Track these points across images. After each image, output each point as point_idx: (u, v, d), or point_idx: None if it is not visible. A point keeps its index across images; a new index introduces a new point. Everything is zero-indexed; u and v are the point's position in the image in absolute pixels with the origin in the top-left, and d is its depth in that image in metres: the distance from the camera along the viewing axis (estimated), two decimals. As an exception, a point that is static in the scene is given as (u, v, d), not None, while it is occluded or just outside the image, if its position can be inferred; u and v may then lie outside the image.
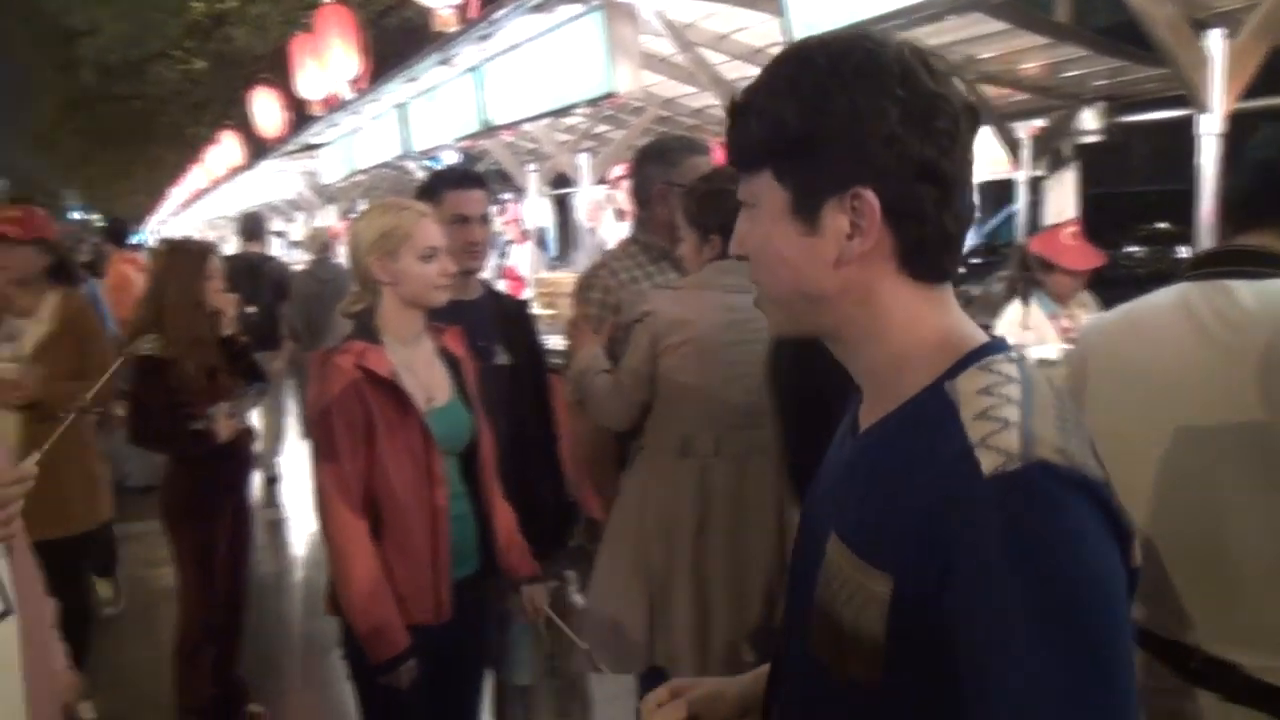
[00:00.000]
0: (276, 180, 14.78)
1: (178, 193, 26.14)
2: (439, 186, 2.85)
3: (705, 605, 2.44)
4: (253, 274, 6.86)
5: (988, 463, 0.81)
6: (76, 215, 41.40)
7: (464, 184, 2.86)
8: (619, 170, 7.82)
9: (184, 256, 3.63)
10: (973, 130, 0.95)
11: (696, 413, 2.45)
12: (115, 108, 24.63)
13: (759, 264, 1.01)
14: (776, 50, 1.03)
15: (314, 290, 6.85)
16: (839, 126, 0.91)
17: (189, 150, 22.28)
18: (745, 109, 0.98)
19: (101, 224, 13.67)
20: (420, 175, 8.44)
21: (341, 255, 6.84)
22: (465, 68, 6.73)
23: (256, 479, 5.42)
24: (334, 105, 10.02)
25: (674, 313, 2.46)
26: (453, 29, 6.68)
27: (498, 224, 9.55)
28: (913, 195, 0.92)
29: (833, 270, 0.95)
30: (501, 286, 8.29)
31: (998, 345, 0.94)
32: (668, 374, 2.45)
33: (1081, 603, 0.78)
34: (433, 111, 7.76)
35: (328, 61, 9.85)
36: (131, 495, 4.05)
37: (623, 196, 7.87)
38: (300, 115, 12.08)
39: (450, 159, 8.56)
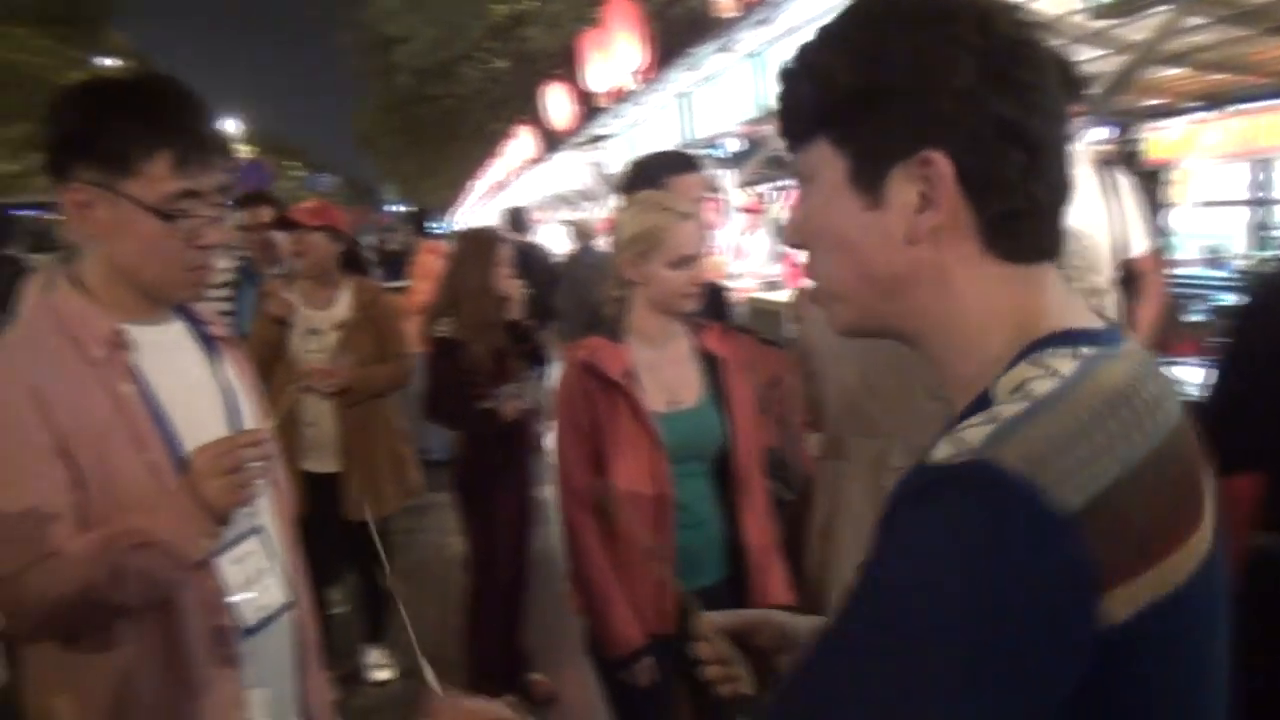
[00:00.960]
0: (567, 171, 15.45)
1: (478, 185, 27.90)
2: (660, 173, 2.77)
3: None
4: (522, 262, 7.23)
5: (939, 452, 0.69)
6: (392, 208, 45.22)
7: (684, 168, 2.78)
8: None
9: (476, 244, 3.82)
10: (1069, 89, 0.80)
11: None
12: (426, 108, 26.68)
13: (817, 250, 0.87)
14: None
15: (581, 276, 7.12)
16: (901, 79, 0.77)
17: (488, 145, 23.72)
18: (795, 71, 0.84)
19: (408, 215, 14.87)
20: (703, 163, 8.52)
21: (604, 244, 7.05)
22: (745, 54, 6.72)
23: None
24: (619, 97, 10.31)
25: None
26: (732, 15, 6.68)
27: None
28: (994, 159, 0.77)
29: (903, 249, 0.80)
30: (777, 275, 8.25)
31: (1075, 335, 0.77)
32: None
33: (901, 612, 0.67)
34: (713, 98, 7.82)
35: (614, 54, 10.15)
36: (434, 468, 4.35)
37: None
38: (588, 108, 12.53)
39: (733, 146, 8.59)
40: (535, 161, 16.90)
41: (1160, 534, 0.70)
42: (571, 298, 7.12)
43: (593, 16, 11.98)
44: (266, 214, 4.63)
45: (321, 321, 3.77)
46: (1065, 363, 0.74)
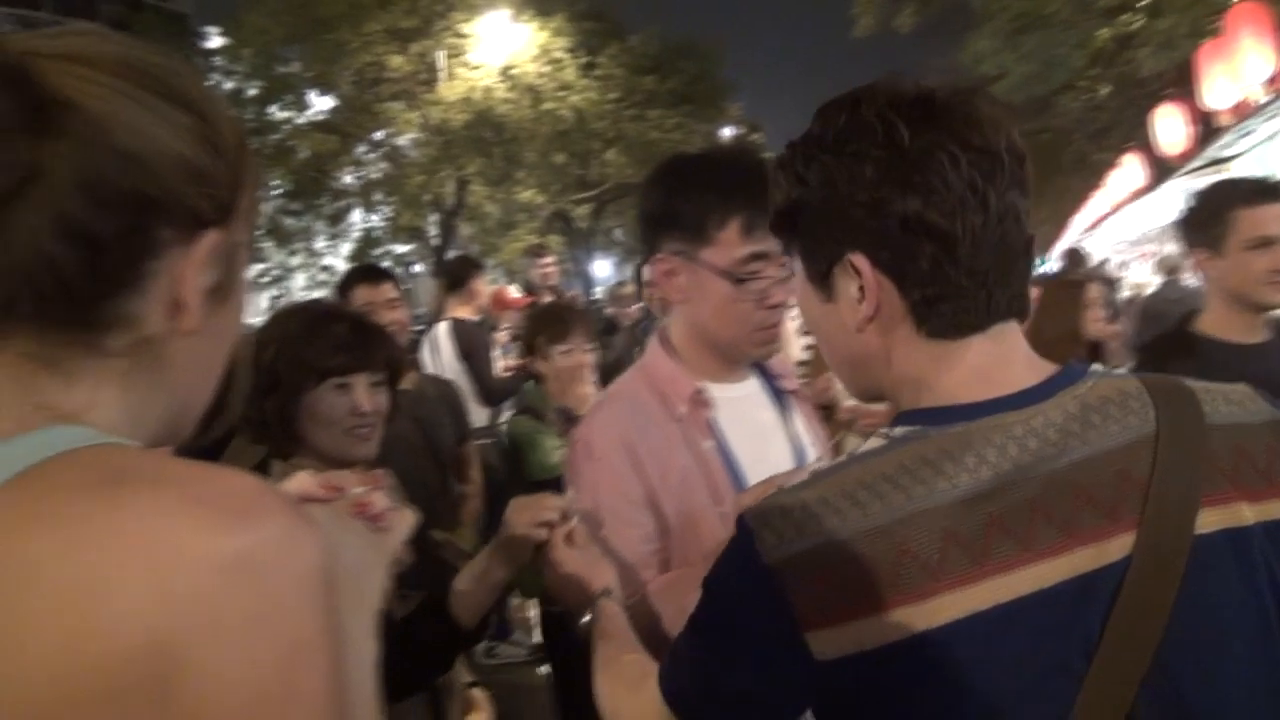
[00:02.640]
0: (1177, 199, 14.02)
1: (1078, 220, 26.37)
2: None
3: None
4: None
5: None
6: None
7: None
8: None
9: (1062, 289, 3.65)
10: (991, 176, 0.88)
11: None
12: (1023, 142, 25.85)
13: (810, 331, 1.04)
14: None
15: (1159, 311, 6.49)
16: (817, 195, 0.92)
17: (1091, 177, 22.35)
18: (771, 181, 0.99)
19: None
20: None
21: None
22: None
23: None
24: (1246, 112, 9.14)
25: None
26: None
27: None
28: (905, 254, 0.89)
29: (855, 335, 0.95)
30: None
31: (930, 413, 0.92)
32: None
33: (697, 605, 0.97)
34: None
35: (1239, 66, 9.03)
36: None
37: None
38: (1206, 128, 11.28)
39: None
40: (1143, 190, 15.59)
41: (871, 593, 0.83)
42: (1149, 334, 6.54)
43: (1211, 28, 10.79)
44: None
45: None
46: (898, 431, 0.92)
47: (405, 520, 0.94)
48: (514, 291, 6.53)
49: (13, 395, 0.65)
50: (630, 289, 7.79)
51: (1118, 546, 0.87)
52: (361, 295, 3.55)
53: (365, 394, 1.81)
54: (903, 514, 0.85)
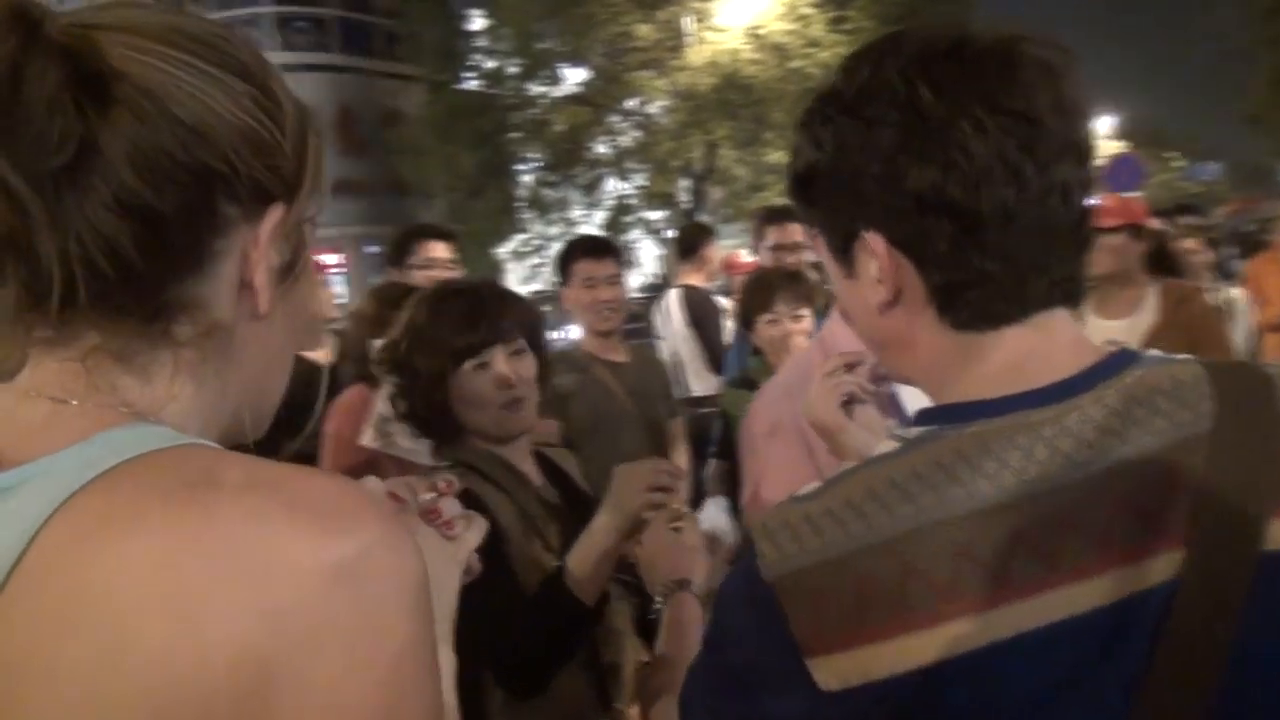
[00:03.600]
0: None
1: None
2: None
3: None
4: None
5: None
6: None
7: None
8: None
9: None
10: (1030, 145, 0.75)
11: None
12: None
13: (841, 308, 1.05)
14: None
15: None
16: (831, 162, 0.83)
17: None
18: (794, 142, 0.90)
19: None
20: None
21: None
22: None
23: None
24: None
25: None
26: None
27: None
28: (920, 233, 0.79)
29: (878, 316, 0.85)
30: None
31: (952, 410, 0.80)
32: None
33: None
34: None
35: None
36: None
37: None
38: None
39: None
40: None
41: (875, 617, 0.72)
42: None
43: None
44: (798, 231, 4.09)
45: (1120, 331, 3.49)
46: (912, 432, 0.80)
47: (477, 528, 0.92)
48: (745, 256, 6.45)
49: (88, 392, 0.63)
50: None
51: (1164, 566, 0.72)
52: (583, 270, 3.53)
53: (506, 366, 1.75)
54: (910, 527, 0.73)
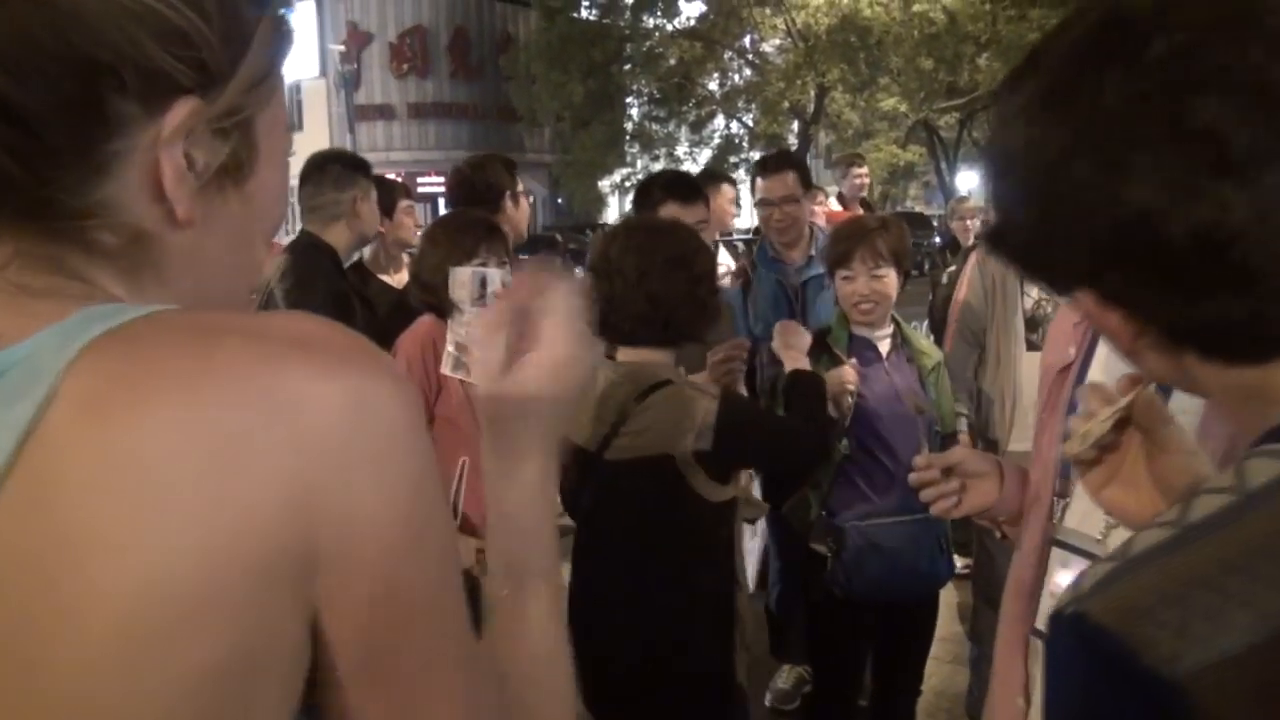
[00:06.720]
0: None
1: None
2: None
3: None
4: None
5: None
6: None
7: None
8: None
9: None
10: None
11: None
12: None
13: None
14: None
15: None
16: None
17: None
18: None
19: None
20: None
21: None
22: None
23: None
24: None
25: None
26: None
27: None
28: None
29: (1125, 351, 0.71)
30: None
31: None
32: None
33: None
34: None
35: None
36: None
37: None
38: None
39: None
40: None
41: None
42: None
43: None
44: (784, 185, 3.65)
45: None
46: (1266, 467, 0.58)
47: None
48: (832, 205, 6.27)
49: (46, 286, 0.58)
50: (974, 203, 7.20)
51: None
52: (669, 212, 3.28)
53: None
54: None
